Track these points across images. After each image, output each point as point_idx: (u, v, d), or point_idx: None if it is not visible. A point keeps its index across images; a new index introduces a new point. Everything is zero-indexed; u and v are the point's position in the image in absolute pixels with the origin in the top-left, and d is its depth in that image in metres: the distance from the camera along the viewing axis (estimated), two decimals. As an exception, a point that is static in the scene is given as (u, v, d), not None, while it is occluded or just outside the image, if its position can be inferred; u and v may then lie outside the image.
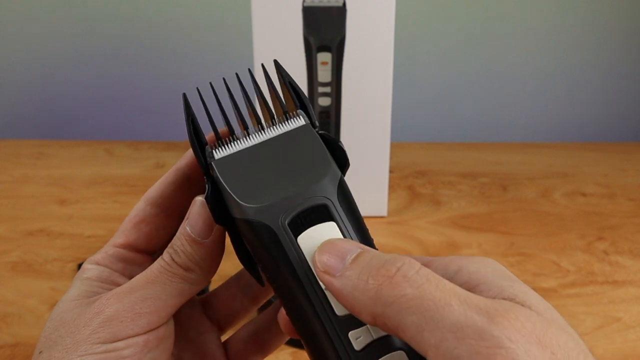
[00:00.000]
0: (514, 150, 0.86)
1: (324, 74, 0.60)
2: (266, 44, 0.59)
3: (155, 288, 0.27)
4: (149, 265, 0.28)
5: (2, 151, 0.84)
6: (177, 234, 0.28)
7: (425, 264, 0.25)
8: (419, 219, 0.67)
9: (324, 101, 0.61)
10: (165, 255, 0.27)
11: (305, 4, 0.58)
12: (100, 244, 0.62)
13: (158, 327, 0.27)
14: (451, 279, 0.24)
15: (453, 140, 0.95)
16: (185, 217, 0.27)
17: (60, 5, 0.93)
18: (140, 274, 0.27)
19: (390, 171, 0.75)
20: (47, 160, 0.82)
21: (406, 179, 0.77)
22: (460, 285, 0.22)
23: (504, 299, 0.22)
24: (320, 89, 0.61)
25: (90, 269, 0.29)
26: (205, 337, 0.32)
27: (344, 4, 0.58)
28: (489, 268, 0.25)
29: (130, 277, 0.29)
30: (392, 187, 0.73)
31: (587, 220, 0.68)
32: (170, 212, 0.30)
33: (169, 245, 0.28)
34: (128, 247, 0.30)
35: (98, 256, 0.30)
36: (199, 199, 0.27)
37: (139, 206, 0.30)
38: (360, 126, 0.62)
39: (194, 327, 0.32)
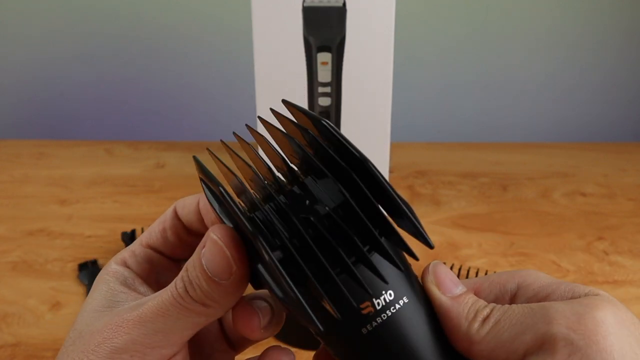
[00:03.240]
0: (514, 150, 0.86)
1: (324, 74, 0.60)
2: (266, 44, 0.59)
3: (167, 322, 0.24)
4: (175, 271, 0.26)
5: (2, 151, 0.84)
6: (192, 260, 0.25)
7: (477, 288, 0.27)
8: (419, 219, 0.67)
9: (324, 101, 0.61)
10: (179, 284, 0.25)
11: (305, 4, 0.58)
12: (100, 244, 0.62)
13: (171, 358, 0.25)
14: (515, 297, 0.26)
15: (453, 140, 0.95)
16: (201, 245, 0.24)
17: (61, 6, 0.93)
18: (154, 299, 0.25)
19: (390, 171, 0.75)
20: (47, 160, 0.82)
21: (406, 179, 0.77)
22: (531, 300, 0.25)
23: (580, 297, 0.24)
24: (320, 89, 0.61)
25: (115, 272, 0.28)
26: (219, 356, 0.30)
27: (344, 4, 0.58)
28: (542, 278, 0.26)
29: (156, 282, 0.28)
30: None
31: (587, 220, 0.68)
32: (196, 232, 0.28)
33: (183, 270, 0.25)
34: (154, 249, 0.29)
35: (125, 254, 0.28)
36: (214, 238, 0.24)
37: (168, 213, 0.29)
38: (360, 126, 0.62)
39: (209, 344, 0.30)
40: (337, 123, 0.62)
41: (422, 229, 0.23)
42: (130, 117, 1.00)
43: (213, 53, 0.95)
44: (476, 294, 0.26)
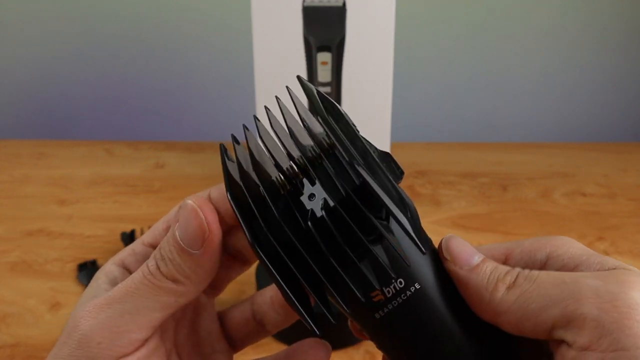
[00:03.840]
0: (514, 150, 0.86)
1: (324, 74, 0.60)
2: (266, 44, 0.59)
3: (135, 301, 0.23)
4: None
5: (2, 151, 0.84)
6: (167, 236, 0.24)
7: (508, 254, 0.26)
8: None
9: (324, 101, 0.61)
10: (151, 261, 0.24)
11: (305, 4, 0.58)
12: (100, 244, 0.62)
13: (143, 343, 0.24)
14: (544, 265, 0.25)
15: (453, 140, 0.95)
16: (175, 220, 0.24)
17: (61, 5, 0.93)
18: (123, 282, 0.24)
19: (390, 171, 0.75)
20: (47, 160, 0.82)
21: (406, 179, 0.77)
22: (560, 270, 0.24)
23: (609, 269, 0.23)
24: (320, 89, 0.61)
25: (108, 271, 0.27)
26: (219, 356, 0.29)
27: (344, 4, 0.58)
28: (574, 248, 0.25)
29: None
30: (392, 187, 0.73)
31: (587, 220, 0.68)
32: None
33: (156, 249, 0.24)
34: (156, 247, 0.28)
35: (124, 254, 0.28)
36: (189, 202, 0.23)
37: (173, 212, 0.28)
38: (360, 126, 0.62)
39: (210, 343, 0.29)
40: (337, 123, 0.62)
41: (413, 235, 0.22)
42: (130, 117, 1.00)
43: (213, 53, 0.95)
44: (507, 260, 0.26)
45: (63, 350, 0.24)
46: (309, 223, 0.22)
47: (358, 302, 0.23)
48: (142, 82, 0.97)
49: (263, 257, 0.22)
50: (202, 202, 0.23)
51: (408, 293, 0.23)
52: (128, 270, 0.27)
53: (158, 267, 0.24)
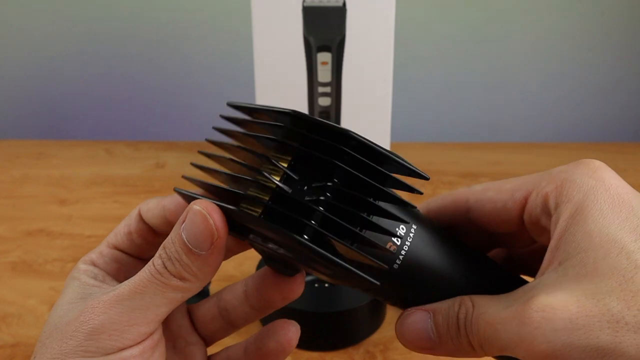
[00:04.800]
0: (514, 150, 0.86)
1: (324, 74, 0.60)
2: (266, 44, 0.59)
3: (144, 298, 0.25)
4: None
5: (2, 151, 0.84)
6: (171, 237, 0.25)
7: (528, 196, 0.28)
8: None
9: (324, 101, 0.61)
10: (157, 260, 0.25)
11: (305, 4, 0.58)
12: (100, 244, 0.62)
13: (148, 335, 0.26)
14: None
15: (453, 140, 0.95)
16: (180, 221, 0.25)
17: (61, 5, 0.93)
18: (129, 280, 0.25)
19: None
20: (47, 160, 0.82)
21: (406, 179, 0.77)
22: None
23: None
24: (320, 89, 0.61)
25: (85, 270, 0.28)
26: (192, 349, 0.31)
27: (344, 4, 0.58)
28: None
29: (125, 279, 0.28)
30: (392, 187, 0.73)
31: (587, 220, 0.68)
32: (162, 233, 0.29)
33: (161, 246, 0.25)
34: (121, 250, 0.29)
35: (93, 255, 0.29)
36: (197, 208, 0.24)
37: (133, 215, 0.29)
38: (360, 126, 0.62)
39: (183, 337, 0.31)
40: (337, 123, 0.62)
41: (412, 166, 0.25)
42: (130, 117, 1.00)
43: (213, 53, 0.95)
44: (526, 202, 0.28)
45: (69, 343, 0.24)
46: (321, 208, 0.23)
47: (381, 256, 0.25)
48: (142, 82, 0.97)
49: (318, 249, 0.23)
50: (210, 206, 0.24)
51: (411, 234, 0.26)
52: (102, 270, 0.29)
53: (165, 266, 0.25)
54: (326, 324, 0.46)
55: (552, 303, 0.22)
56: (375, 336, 0.48)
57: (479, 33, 0.93)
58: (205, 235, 0.24)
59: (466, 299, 0.26)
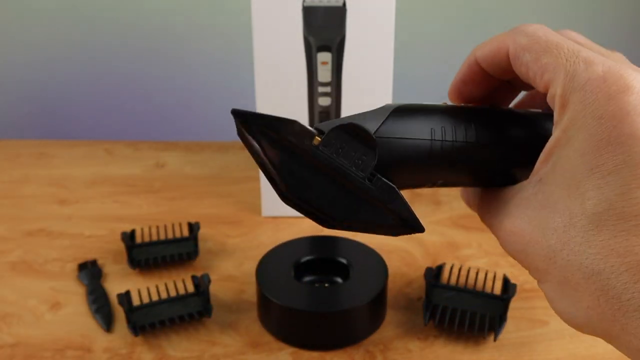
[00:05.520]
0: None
1: (324, 74, 0.60)
2: (266, 44, 0.59)
3: None
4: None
5: (2, 151, 0.84)
6: None
7: None
8: (419, 219, 0.67)
9: (324, 101, 0.61)
10: None
11: (305, 4, 0.58)
12: (101, 244, 0.62)
13: None
14: None
15: (453, 140, 0.94)
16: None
17: (61, 5, 0.93)
18: None
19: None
20: (47, 160, 0.82)
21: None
22: None
23: None
24: (320, 89, 0.61)
25: None
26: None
27: (344, 4, 0.58)
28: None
29: None
30: (392, 187, 0.73)
31: (587, 220, 0.68)
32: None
33: None
34: None
35: None
36: None
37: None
38: (360, 126, 0.62)
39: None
40: (337, 123, 0.62)
41: None
42: (130, 117, 1.00)
43: (213, 53, 0.95)
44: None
45: None
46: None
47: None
48: (142, 82, 0.97)
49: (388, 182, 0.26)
50: None
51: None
52: None
53: None
54: (326, 324, 0.46)
55: (513, 229, 0.26)
56: (375, 336, 0.48)
57: (480, 33, 0.93)
58: None
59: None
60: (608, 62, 0.24)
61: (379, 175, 0.26)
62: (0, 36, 0.95)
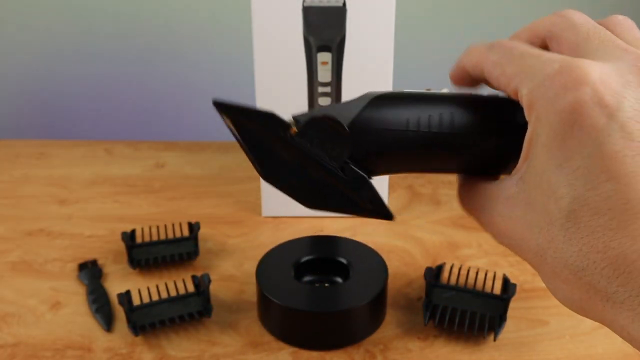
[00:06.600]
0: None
1: (324, 74, 0.60)
2: (266, 44, 0.59)
3: None
4: None
5: (2, 151, 0.84)
6: None
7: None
8: (419, 219, 0.67)
9: (324, 101, 0.61)
10: None
11: (305, 4, 0.58)
12: (101, 244, 0.62)
13: None
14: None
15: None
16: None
17: (61, 5, 0.93)
18: None
19: (390, 171, 0.75)
20: (47, 160, 0.82)
21: (406, 179, 0.77)
22: None
23: None
24: (320, 89, 0.61)
25: None
26: None
27: (344, 4, 0.58)
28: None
29: None
30: (392, 186, 0.73)
31: (587, 220, 0.68)
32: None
33: None
34: None
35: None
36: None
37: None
38: (360, 126, 0.62)
39: None
40: (337, 123, 0.62)
41: None
42: (130, 117, 1.00)
43: (213, 53, 0.95)
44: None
45: None
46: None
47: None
48: (142, 82, 0.97)
49: (361, 173, 0.27)
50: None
51: None
52: None
53: None
54: (326, 324, 0.46)
55: (504, 229, 0.27)
56: (375, 336, 0.48)
57: (481, 33, 0.93)
58: None
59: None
60: (569, 58, 0.25)
61: (351, 165, 0.28)
62: (0, 36, 0.95)
